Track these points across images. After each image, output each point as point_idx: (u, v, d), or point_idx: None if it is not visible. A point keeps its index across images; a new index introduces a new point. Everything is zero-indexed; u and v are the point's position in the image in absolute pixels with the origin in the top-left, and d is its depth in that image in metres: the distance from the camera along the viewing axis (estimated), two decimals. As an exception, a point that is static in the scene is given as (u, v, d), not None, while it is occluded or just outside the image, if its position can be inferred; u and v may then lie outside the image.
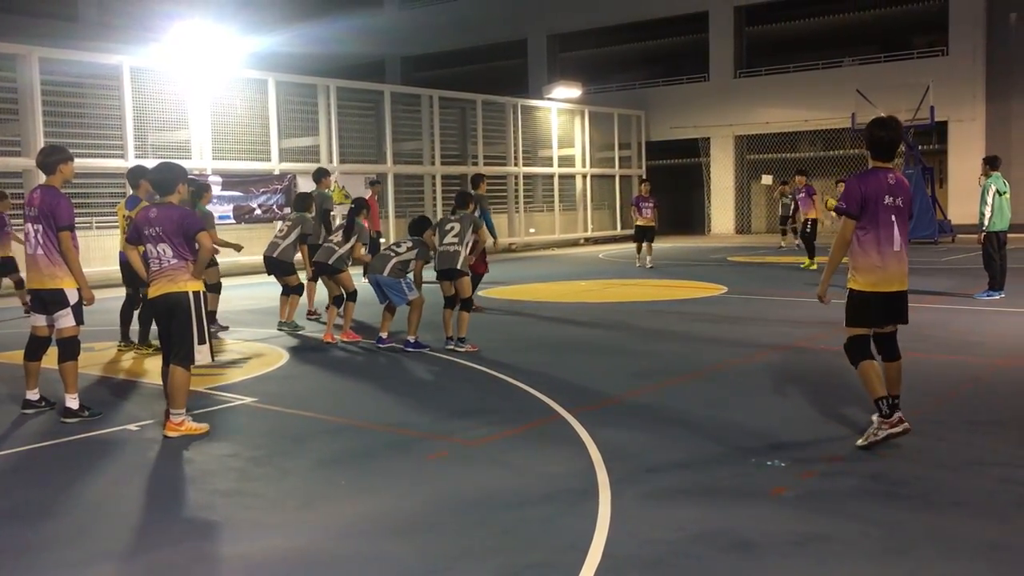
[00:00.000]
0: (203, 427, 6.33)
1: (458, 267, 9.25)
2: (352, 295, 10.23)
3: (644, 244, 18.84)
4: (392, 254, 9.50)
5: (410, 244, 9.58)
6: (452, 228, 9.38)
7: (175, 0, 31.40)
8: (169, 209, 6.31)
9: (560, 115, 29.05)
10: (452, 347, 9.36)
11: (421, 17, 38.48)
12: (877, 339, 5.80)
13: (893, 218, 5.56)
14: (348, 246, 10.20)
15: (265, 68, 21.88)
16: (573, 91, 30.02)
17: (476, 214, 10.32)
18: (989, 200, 11.90)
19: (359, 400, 7.41)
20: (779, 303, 12.57)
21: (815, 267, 17.09)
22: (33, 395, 6.98)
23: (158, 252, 6.25)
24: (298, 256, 11.12)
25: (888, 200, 5.54)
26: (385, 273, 9.37)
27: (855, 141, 28.28)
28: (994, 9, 27.66)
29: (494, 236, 12.71)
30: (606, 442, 5.76)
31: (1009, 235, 12.47)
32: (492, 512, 4.65)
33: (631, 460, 5.42)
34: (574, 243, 28.74)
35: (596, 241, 29.43)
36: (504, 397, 7.27)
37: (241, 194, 19.24)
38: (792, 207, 20.93)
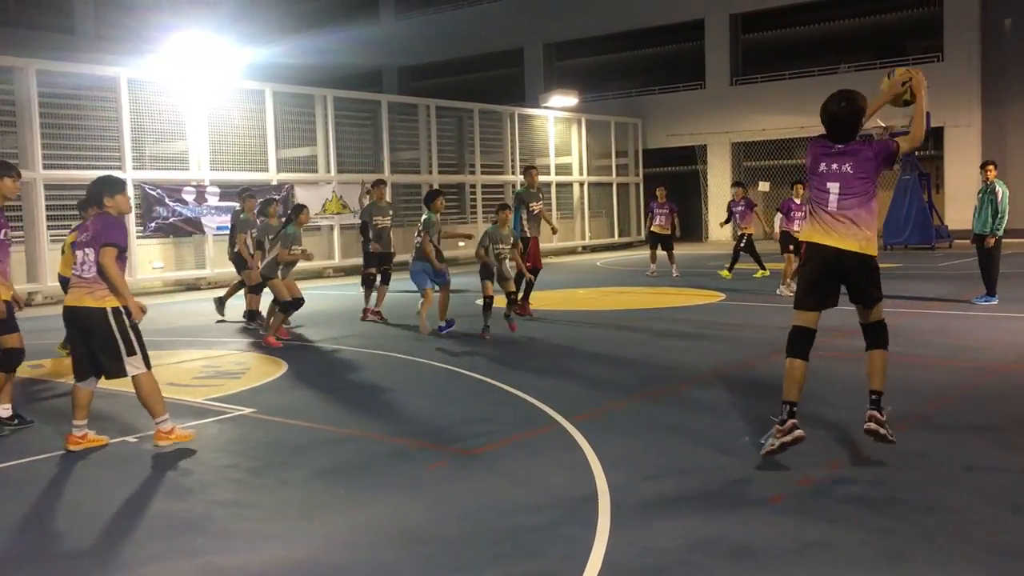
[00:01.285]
0: (190, 434, 6.32)
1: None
2: (283, 305, 10.58)
3: (664, 252, 18.09)
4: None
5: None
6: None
7: (172, 12, 31.51)
8: (98, 218, 6.17)
9: (557, 123, 29.11)
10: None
11: (417, 27, 38.58)
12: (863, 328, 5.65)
13: (828, 184, 5.48)
14: (272, 254, 10.61)
15: (262, 79, 21.91)
16: (570, 99, 30.09)
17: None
18: (1006, 202, 11.90)
19: (358, 410, 7.40)
20: (777, 310, 12.58)
21: (768, 273, 17.01)
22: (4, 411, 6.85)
23: (83, 257, 6.11)
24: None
25: (823, 167, 5.52)
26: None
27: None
28: (989, 15, 27.75)
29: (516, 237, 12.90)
30: (605, 450, 5.77)
31: (1007, 241, 12.49)
32: (491, 521, 4.65)
33: (630, 468, 5.42)
34: (571, 251, 28.76)
35: (594, 249, 29.46)
36: (503, 406, 7.27)
37: (238, 204, 19.20)
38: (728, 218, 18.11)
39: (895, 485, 5.00)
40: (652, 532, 4.41)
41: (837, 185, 5.48)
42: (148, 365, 6.17)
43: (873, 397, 5.49)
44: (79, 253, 6.17)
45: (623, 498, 4.88)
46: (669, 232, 18.41)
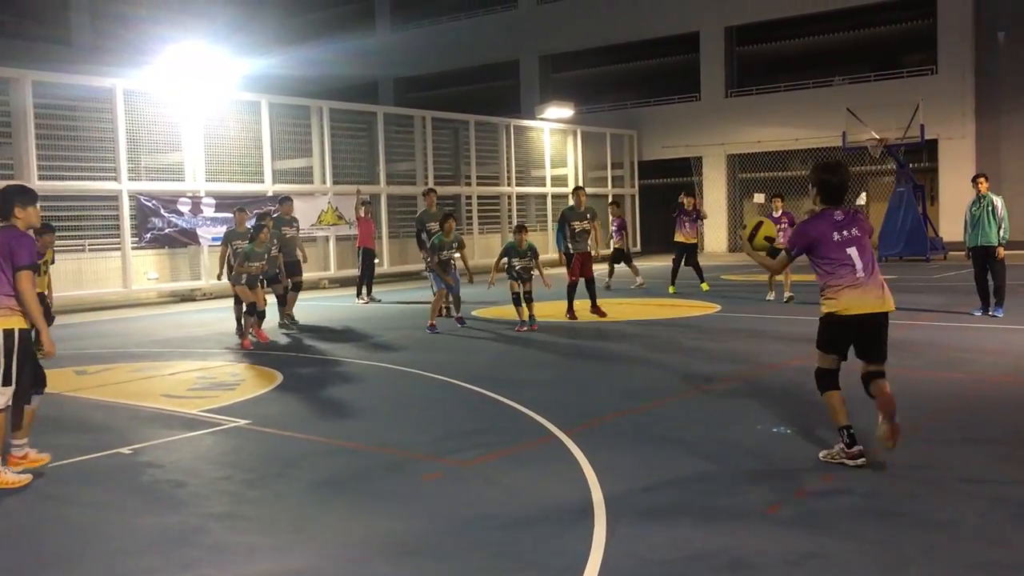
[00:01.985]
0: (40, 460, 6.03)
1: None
2: (249, 307, 11.68)
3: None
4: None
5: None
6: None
7: (168, 23, 31.58)
8: (6, 232, 5.70)
9: (553, 135, 29.16)
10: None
11: (413, 39, 38.69)
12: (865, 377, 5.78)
13: (847, 251, 5.67)
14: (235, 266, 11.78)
15: (258, 90, 21.93)
16: (565, 111, 30.15)
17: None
18: (1006, 212, 11.91)
19: (353, 421, 7.38)
20: (773, 321, 12.59)
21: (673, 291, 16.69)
22: None
23: None
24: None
25: (836, 237, 5.69)
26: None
27: (846, 160, 28.38)
28: (982, 27, 27.88)
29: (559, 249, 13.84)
30: (601, 462, 5.75)
31: (1007, 252, 12.48)
32: (487, 533, 4.63)
33: (626, 480, 5.41)
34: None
35: (590, 260, 29.43)
36: (498, 417, 7.26)
37: (234, 215, 19.20)
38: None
39: (892, 496, 5.00)
40: (649, 544, 4.40)
41: (849, 250, 5.69)
42: (10, 403, 5.68)
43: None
44: None
45: (619, 510, 4.87)
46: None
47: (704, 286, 16.96)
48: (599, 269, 15.00)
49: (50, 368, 10.16)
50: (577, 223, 13.42)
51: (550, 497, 5.16)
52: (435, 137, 24.66)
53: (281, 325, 13.37)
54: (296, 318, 13.69)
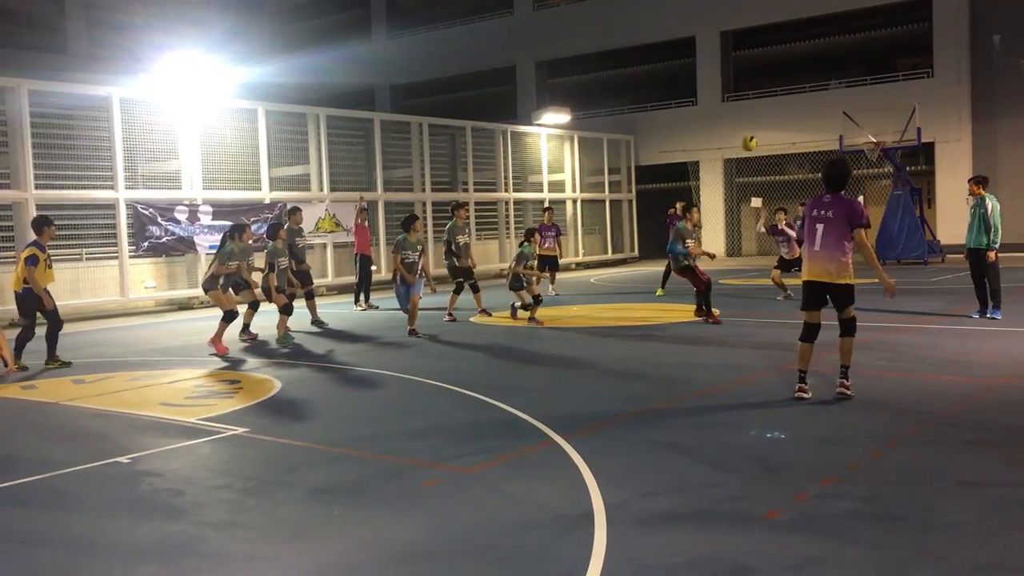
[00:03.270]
0: None
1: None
2: (226, 314, 11.72)
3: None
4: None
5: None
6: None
7: (164, 31, 31.61)
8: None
9: (549, 141, 29.18)
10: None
11: (409, 46, 38.73)
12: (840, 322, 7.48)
13: (818, 227, 7.35)
14: (211, 270, 12.02)
15: (255, 98, 21.93)
16: (562, 117, 30.19)
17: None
18: (997, 215, 11.92)
19: (351, 428, 7.37)
20: (771, 325, 12.59)
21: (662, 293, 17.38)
22: None
23: None
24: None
25: (814, 213, 7.40)
26: None
27: (843, 163, 28.43)
28: (977, 30, 27.96)
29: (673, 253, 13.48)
30: (600, 467, 5.74)
31: (1000, 254, 12.50)
32: (487, 540, 4.62)
33: (626, 485, 5.40)
34: (565, 268, 28.75)
35: (588, 266, 29.48)
36: (497, 423, 7.24)
37: (232, 223, 19.19)
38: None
39: (892, 500, 4.99)
40: (649, 550, 4.39)
41: (819, 227, 7.48)
42: None
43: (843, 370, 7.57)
44: None
45: (619, 515, 4.86)
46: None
47: (659, 291, 17.57)
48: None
49: (48, 377, 10.19)
50: (690, 241, 13.41)
51: (550, 503, 5.15)
52: (432, 144, 24.67)
53: (314, 323, 14.36)
54: (323, 320, 14.65)
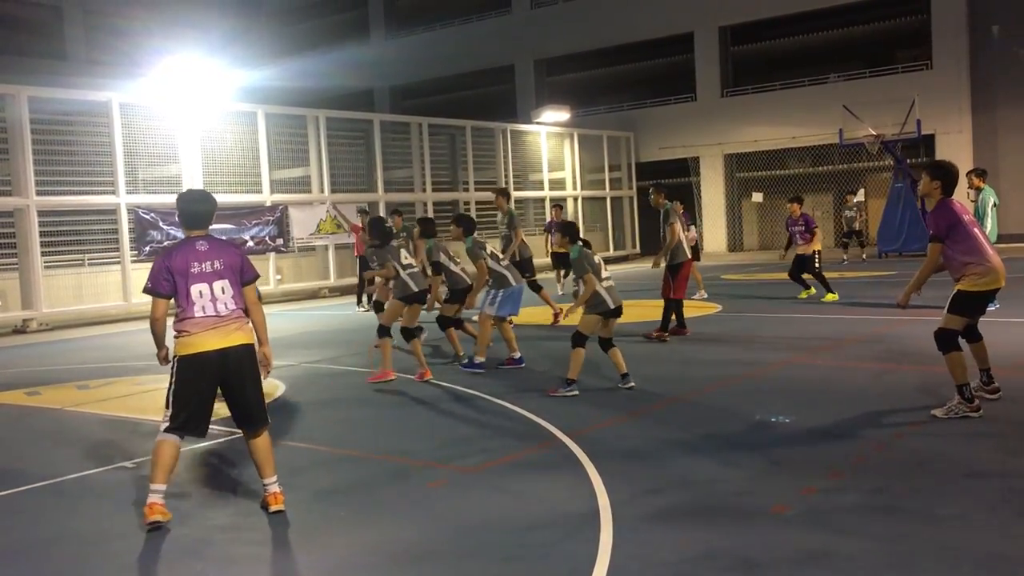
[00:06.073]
0: None
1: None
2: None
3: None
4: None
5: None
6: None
7: (163, 35, 31.60)
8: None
9: (549, 139, 29.17)
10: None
11: (408, 47, 38.72)
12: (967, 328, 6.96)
13: (974, 230, 6.83)
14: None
15: (254, 101, 21.94)
16: (562, 115, 30.17)
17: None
18: (986, 207, 11.92)
19: (356, 430, 7.37)
20: (774, 320, 12.58)
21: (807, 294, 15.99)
22: None
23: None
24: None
25: (967, 218, 6.87)
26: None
27: (843, 157, 28.46)
28: (976, 22, 27.91)
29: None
30: (606, 465, 5.74)
31: (1000, 246, 12.49)
32: (493, 539, 4.62)
33: (631, 482, 5.39)
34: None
35: (589, 263, 29.42)
36: (501, 422, 7.24)
37: (233, 226, 19.24)
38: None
39: (897, 493, 4.98)
40: (655, 546, 4.38)
41: (976, 230, 7.00)
42: None
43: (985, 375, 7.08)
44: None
45: (625, 513, 4.85)
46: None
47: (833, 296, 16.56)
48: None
49: (52, 383, 10.19)
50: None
51: (555, 501, 5.15)
52: (432, 144, 24.66)
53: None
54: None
